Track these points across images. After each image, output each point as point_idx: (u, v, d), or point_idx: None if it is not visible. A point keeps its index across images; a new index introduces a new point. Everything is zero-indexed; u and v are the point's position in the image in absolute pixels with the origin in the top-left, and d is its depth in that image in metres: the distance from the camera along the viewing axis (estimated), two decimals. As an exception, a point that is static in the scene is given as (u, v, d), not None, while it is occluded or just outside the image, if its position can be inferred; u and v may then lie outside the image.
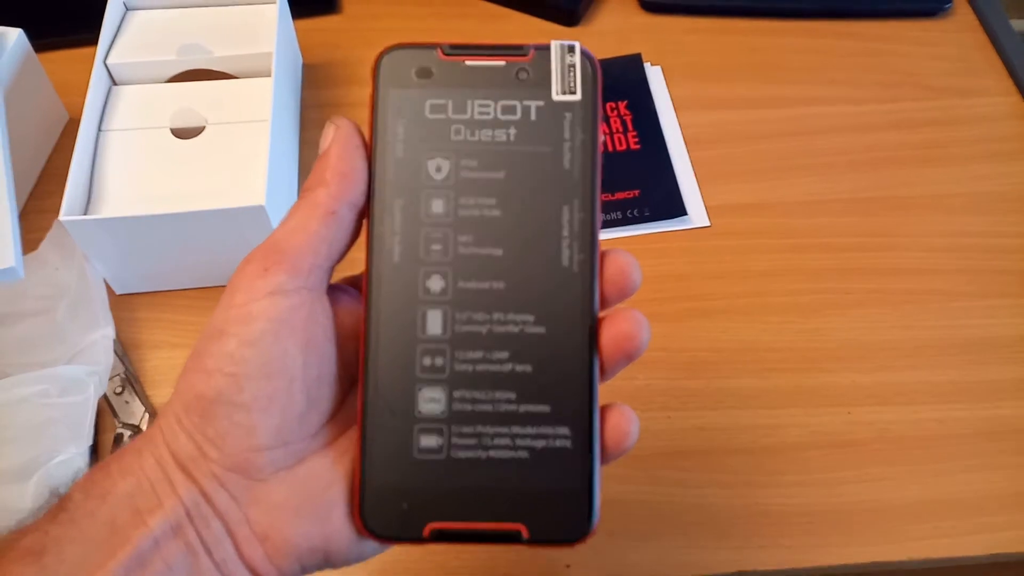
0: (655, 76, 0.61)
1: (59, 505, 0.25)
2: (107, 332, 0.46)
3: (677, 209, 0.54)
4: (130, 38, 0.54)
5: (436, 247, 0.27)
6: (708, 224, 0.54)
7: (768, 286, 0.51)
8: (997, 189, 0.56)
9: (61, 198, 0.44)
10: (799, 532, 0.43)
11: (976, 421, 0.46)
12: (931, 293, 0.51)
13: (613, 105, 0.59)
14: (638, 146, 0.57)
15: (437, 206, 0.27)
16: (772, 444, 0.45)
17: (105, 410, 0.46)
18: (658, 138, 0.57)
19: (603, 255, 0.27)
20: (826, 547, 0.42)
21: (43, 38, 0.58)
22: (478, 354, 0.26)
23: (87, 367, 0.44)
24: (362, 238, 0.27)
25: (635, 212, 0.54)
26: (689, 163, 0.56)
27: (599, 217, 0.27)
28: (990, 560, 0.42)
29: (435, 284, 0.27)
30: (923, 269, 0.52)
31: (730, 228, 0.54)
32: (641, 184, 0.55)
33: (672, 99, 0.60)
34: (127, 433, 0.45)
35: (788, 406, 0.47)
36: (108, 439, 0.45)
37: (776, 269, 0.52)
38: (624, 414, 0.26)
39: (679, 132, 0.58)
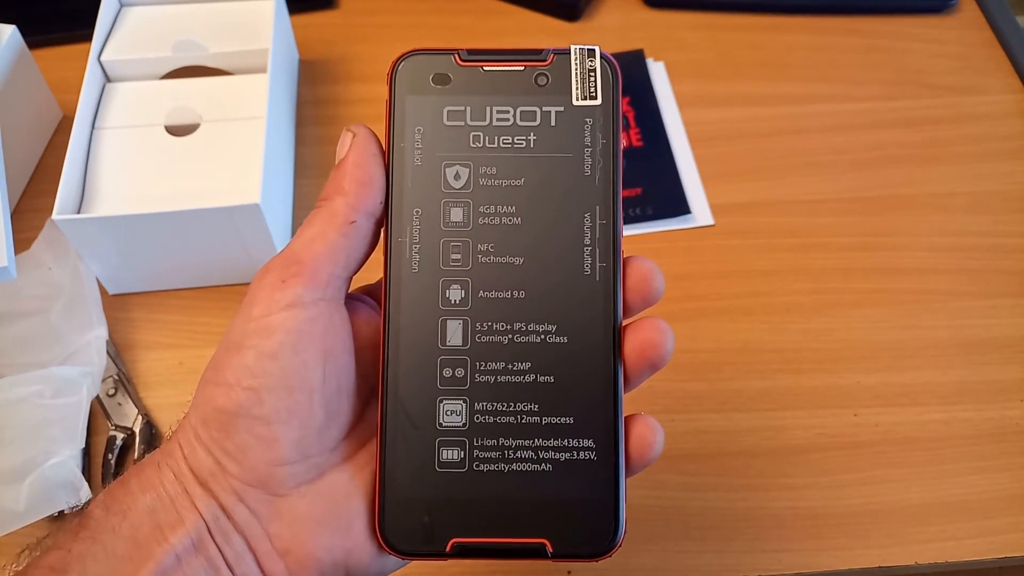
0: (658, 72, 0.60)
1: (80, 522, 0.25)
2: (100, 332, 0.45)
3: (681, 207, 0.53)
4: (124, 35, 0.54)
5: (455, 256, 0.26)
6: (712, 223, 0.53)
7: (770, 286, 0.51)
8: (1000, 188, 0.55)
9: (54, 197, 0.44)
10: (805, 535, 0.42)
11: (981, 422, 0.46)
12: (933, 293, 0.51)
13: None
14: (640, 143, 0.56)
15: (456, 214, 0.27)
16: (777, 446, 0.45)
17: (98, 412, 0.45)
18: (661, 135, 0.57)
19: (625, 262, 0.27)
20: (832, 551, 0.42)
21: (37, 35, 0.58)
22: (500, 365, 0.26)
23: (80, 368, 0.44)
24: (380, 247, 0.27)
25: (637, 211, 0.53)
26: (692, 161, 0.56)
27: (621, 223, 0.27)
28: (996, 564, 0.42)
29: (455, 294, 0.26)
30: (925, 268, 0.52)
31: (732, 227, 0.53)
32: (644, 182, 0.55)
33: (675, 96, 0.59)
34: (120, 436, 0.44)
35: (792, 408, 0.46)
36: (101, 441, 0.45)
37: (778, 268, 0.52)
38: (648, 424, 0.26)
39: (682, 129, 0.57)
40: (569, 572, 0.41)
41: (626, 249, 0.27)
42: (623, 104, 0.58)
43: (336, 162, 0.27)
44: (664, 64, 0.61)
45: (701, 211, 0.54)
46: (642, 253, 0.27)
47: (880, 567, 0.42)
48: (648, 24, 0.63)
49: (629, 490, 0.43)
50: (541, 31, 0.63)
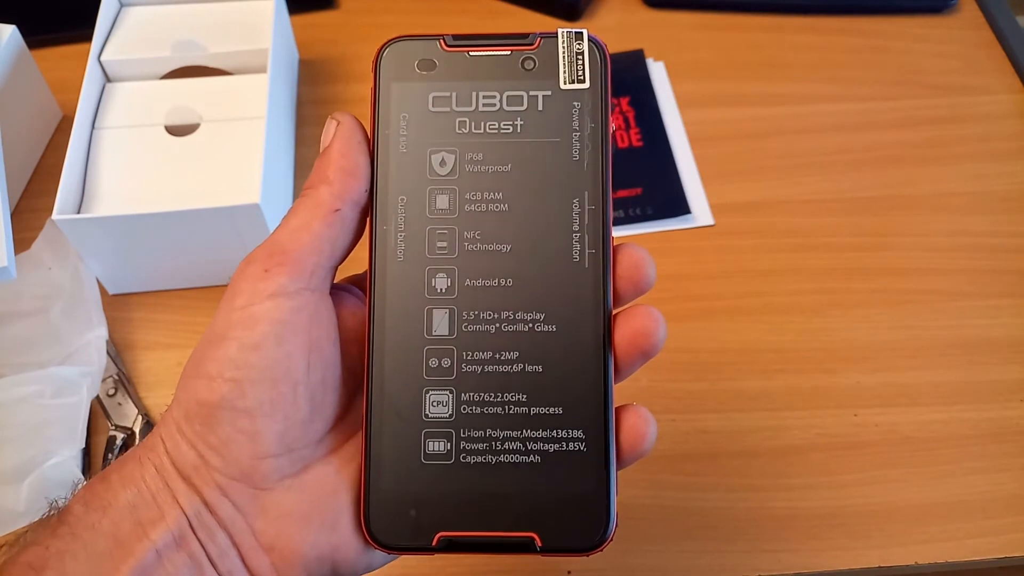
0: (658, 72, 0.60)
1: (59, 518, 0.24)
2: (100, 332, 0.45)
3: (680, 207, 0.53)
4: (124, 35, 0.54)
5: (441, 244, 0.26)
6: (712, 223, 0.53)
7: (771, 286, 0.51)
8: (1000, 188, 0.55)
9: (54, 196, 0.43)
10: (805, 536, 0.42)
11: (981, 422, 0.46)
12: (933, 293, 0.51)
13: (615, 101, 0.58)
14: (640, 143, 0.56)
15: (442, 202, 0.26)
16: (777, 446, 0.45)
17: (98, 412, 0.45)
18: (661, 135, 0.57)
19: (616, 250, 0.26)
20: (832, 551, 0.42)
21: (37, 35, 0.58)
22: (487, 355, 0.26)
23: (80, 368, 0.44)
24: (365, 236, 0.27)
25: (637, 211, 0.53)
26: (693, 160, 0.56)
27: (611, 210, 0.26)
28: (996, 564, 0.42)
29: (441, 282, 0.26)
30: (925, 269, 0.52)
31: (732, 227, 0.53)
32: (644, 182, 0.55)
33: (675, 96, 0.59)
34: (120, 435, 0.44)
35: (792, 408, 0.46)
36: (101, 441, 0.45)
37: (778, 268, 0.52)
38: (640, 415, 0.26)
39: (682, 129, 0.57)
40: (569, 572, 0.41)
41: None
42: (623, 104, 0.58)
43: (321, 150, 0.26)
44: (664, 64, 0.61)
45: (701, 211, 0.54)
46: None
47: (880, 567, 0.41)
48: (648, 24, 0.63)
49: (629, 489, 0.43)
50: (542, 29, 0.63)
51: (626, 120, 0.58)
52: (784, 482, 0.44)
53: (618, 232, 0.53)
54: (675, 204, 0.54)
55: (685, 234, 0.53)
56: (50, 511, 0.25)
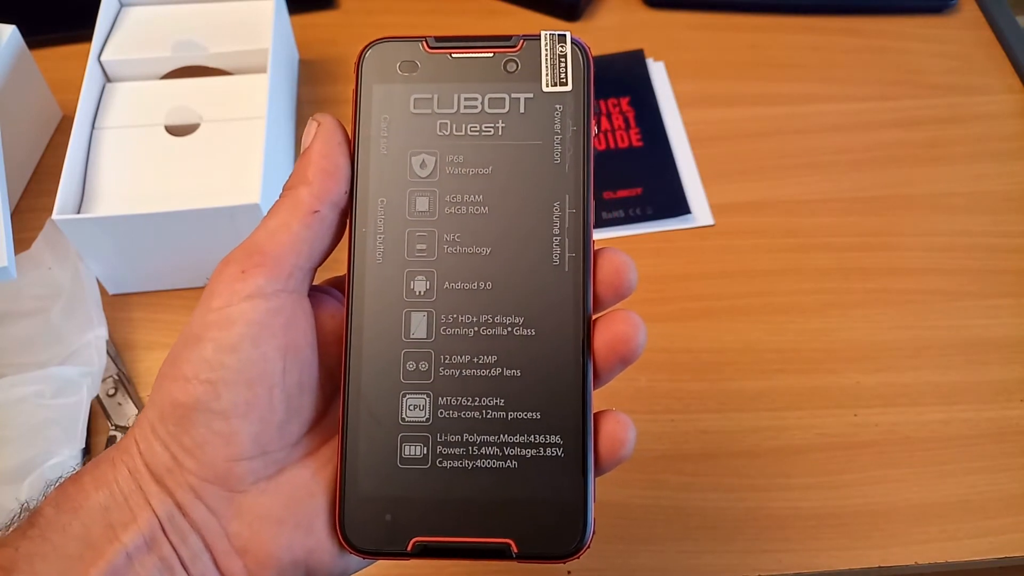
0: (658, 72, 0.60)
1: (30, 520, 0.24)
2: (100, 332, 0.45)
3: (680, 207, 0.53)
4: (124, 35, 0.54)
5: (421, 247, 0.26)
6: (712, 223, 0.53)
7: (771, 286, 0.51)
8: (1000, 188, 0.55)
9: (54, 197, 0.44)
10: (804, 536, 0.42)
11: (981, 422, 0.46)
12: (933, 293, 0.51)
13: (615, 101, 0.58)
14: (640, 143, 0.56)
15: (422, 204, 0.26)
16: (777, 446, 0.45)
17: (98, 412, 0.45)
18: (661, 135, 0.57)
19: (597, 254, 0.26)
20: (832, 551, 0.42)
21: (37, 35, 0.58)
22: (465, 358, 0.25)
23: (81, 368, 0.44)
24: (345, 238, 0.26)
25: (637, 210, 0.53)
26: (692, 161, 0.56)
27: (592, 214, 0.26)
28: (996, 564, 0.42)
29: (420, 285, 0.26)
30: (925, 268, 0.52)
31: (732, 227, 0.53)
32: (644, 182, 0.55)
33: (675, 96, 0.59)
34: (120, 436, 0.44)
35: (793, 408, 0.46)
36: (101, 441, 0.45)
37: (778, 268, 0.52)
38: (619, 421, 0.25)
39: (682, 129, 0.57)
40: (569, 572, 0.41)
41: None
42: (623, 103, 0.58)
43: (301, 151, 0.26)
44: (664, 64, 0.61)
45: (701, 211, 0.54)
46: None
47: (880, 567, 0.42)
48: (648, 24, 0.63)
49: (629, 489, 0.43)
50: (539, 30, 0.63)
51: (626, 120, 0.58)
52: (784, 482, 0.44)
53: (618, 232, 0.53)
54: (675, 204, 0.54)
55: (685, 234, 0.53)
56: (21, 512, 0.25)
